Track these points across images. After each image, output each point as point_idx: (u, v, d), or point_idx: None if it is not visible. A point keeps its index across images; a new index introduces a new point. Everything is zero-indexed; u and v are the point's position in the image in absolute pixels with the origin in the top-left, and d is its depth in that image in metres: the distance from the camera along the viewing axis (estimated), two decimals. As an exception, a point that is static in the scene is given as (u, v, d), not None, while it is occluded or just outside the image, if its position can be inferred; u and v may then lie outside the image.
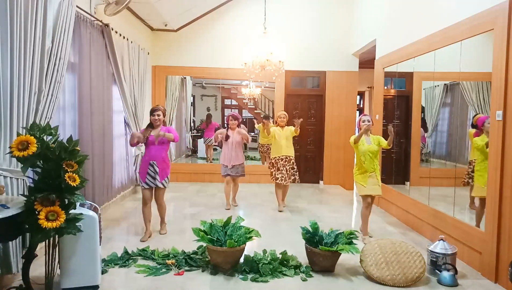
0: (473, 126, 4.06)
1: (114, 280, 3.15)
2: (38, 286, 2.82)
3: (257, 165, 8.09)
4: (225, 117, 6.25)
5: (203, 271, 3.36)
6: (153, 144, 4.21)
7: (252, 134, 8.58)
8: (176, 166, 7.91)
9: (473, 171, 3.95)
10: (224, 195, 5.82)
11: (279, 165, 5.48)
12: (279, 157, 5.50)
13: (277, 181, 5.48)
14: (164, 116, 4.34)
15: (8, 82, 2.86)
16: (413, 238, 4.43)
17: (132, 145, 4.35)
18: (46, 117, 3.31)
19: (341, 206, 6.12)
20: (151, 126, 4.29)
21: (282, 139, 5.49)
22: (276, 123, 5.74)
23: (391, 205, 5.52)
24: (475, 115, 4.05)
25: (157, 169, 4.19)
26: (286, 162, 5.49)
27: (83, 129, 4.44)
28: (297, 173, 5.66)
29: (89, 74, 4.58)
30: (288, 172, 5.48)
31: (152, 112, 4.28)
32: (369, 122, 4.39)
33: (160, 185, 4.22)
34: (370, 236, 4.45)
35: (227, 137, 5.63)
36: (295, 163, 5.64)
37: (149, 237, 4.24)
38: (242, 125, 6.36)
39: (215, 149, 8.20)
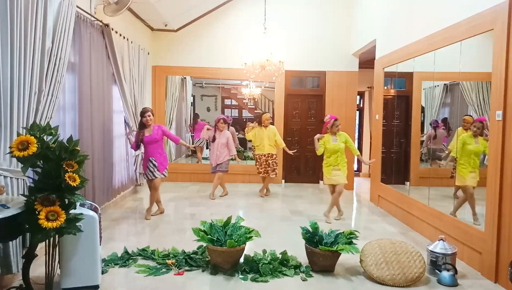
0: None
1: (114, 280, 3.16)
2: (38, 286, 2.82)
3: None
4: (215, 119, 6.44)
5: (203, 271, 3.36)
6: (149, 143, 4.87)
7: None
8: (176, 166, 7.91)
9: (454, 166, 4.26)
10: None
11: (261, 161, 6.37)
12: (262, 154, 6.37)
13: (260, 174, 6.41)
14: (153, 115, 4.96)
15: (8, 82, 2.85)
16: (413, 238, 4.43)
17: (133, 148, 5.15)
18: (46, 117, 3.31)
19: (341, 206, 6.11)
20: (142, 126, 4.89)
21: (265, 139, 6.32)
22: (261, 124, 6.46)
23: (391, 205, 5.52)
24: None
25: (156, 164, 4.90)
26: (269, 158, 6.34)
27: (83, 129, 4.43)
28: (277, 167, 6.47)
29: (89, 74, 4.58)
30: (270, 166, 6.34)
31: (143, 114, 4.87)
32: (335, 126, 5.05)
33: (158, 176, 4.93)
34: (328, 222, 5.02)
35: (213, 138, 6.24)
36: (277, 158, 6.49)
37: (157, 212, 5.12)
38: (231, 128, 7.05)
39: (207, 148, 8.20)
